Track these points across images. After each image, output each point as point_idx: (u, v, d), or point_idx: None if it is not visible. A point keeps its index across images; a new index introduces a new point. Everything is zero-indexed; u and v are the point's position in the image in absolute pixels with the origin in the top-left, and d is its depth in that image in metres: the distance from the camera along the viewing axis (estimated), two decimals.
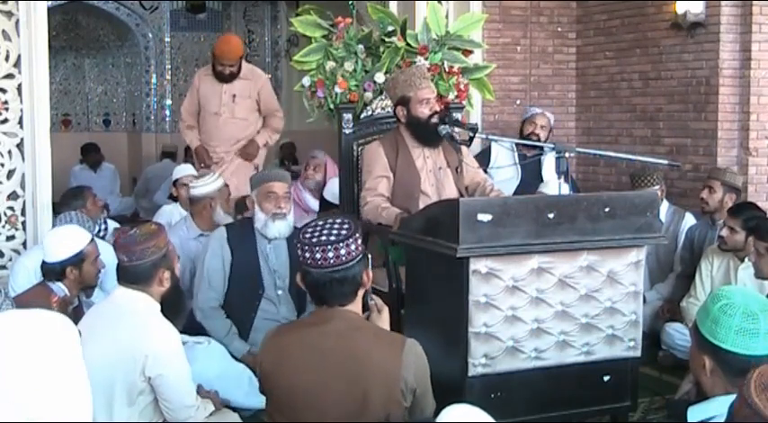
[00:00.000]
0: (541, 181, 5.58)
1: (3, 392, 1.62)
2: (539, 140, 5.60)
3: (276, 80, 10.89)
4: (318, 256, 2.32)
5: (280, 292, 4.12)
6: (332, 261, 2.32)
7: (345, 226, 2.38)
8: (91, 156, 8.90)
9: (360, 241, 2.39)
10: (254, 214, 4.13)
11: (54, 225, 4.43)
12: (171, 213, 5.64)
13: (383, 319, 2.50)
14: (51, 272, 3.59)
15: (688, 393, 3.13)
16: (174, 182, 5.83)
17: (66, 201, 4.80)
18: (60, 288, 3.53)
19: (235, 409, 3.47)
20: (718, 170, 5.12)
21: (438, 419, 1.88)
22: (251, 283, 4.09)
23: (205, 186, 4.81)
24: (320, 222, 2.42)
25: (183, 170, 5.83)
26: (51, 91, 6.18)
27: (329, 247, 2.32)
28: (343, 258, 2.33)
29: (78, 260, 3.58)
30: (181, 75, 10.56)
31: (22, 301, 3.43)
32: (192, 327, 3.99)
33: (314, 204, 5.87)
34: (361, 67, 4.47)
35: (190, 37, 10.52)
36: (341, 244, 2.32)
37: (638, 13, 6.11)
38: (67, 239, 3.62)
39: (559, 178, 3.58)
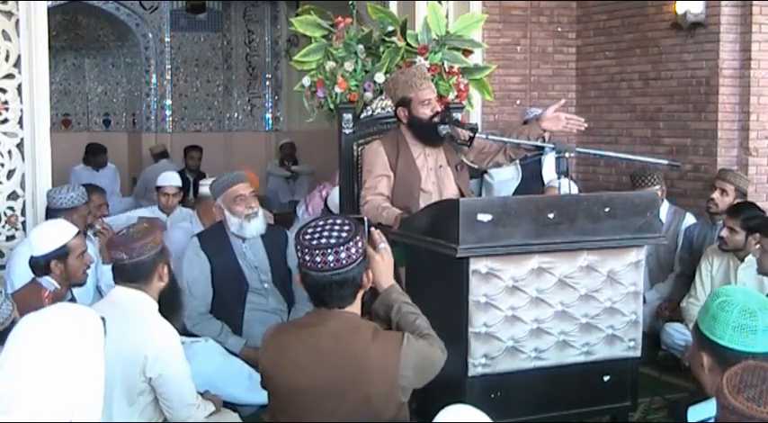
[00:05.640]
0: (541, 181, 5.58)
1: (29, 385, 1.79)
2: (543, 141, 5.58)
3: (276, 80, 10.89)
4: (318, 259, 2.29)
5: (266, 285, 4.23)
6: (332, 264, 2.29)
7: (346, 228, 2.34)
8: (99, 157, 8.53)
9: (360, 244, 2.35)
10: (226, 220, 4.19)
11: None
12: (152, 213, 5.68)
13: (386, 263, 2.49)
14: (37, 266, 3.48)
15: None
16: (156, 188, 5.80)
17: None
18: (50, 282, 3.45)
19: (235, 409, 3.47)
20: (733, 174, 5.05)
21: (436, 419, 1.89)
22: (235, 281, 4.19)
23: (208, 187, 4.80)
24: (320, 222, 2.38)
25: (167, 179, 5.80)
26: (51, 91, 6.17)
27: (329, 250, 2.28)
28: (344, 261, 2.30)
29: (63, 254, 3.45)
30: (181, 75, 10.54)
31: (17, 299, 3.35)
32: (185, 333, 3.99)
33: None
34: (361, 67, 4.46)
35: (190, 37, 10.51)
36: (341, 247, 2.29)
37: (638, 13, 6.10)
38: (52, 233, 3.50)
39: (559, 178, 3.58)
